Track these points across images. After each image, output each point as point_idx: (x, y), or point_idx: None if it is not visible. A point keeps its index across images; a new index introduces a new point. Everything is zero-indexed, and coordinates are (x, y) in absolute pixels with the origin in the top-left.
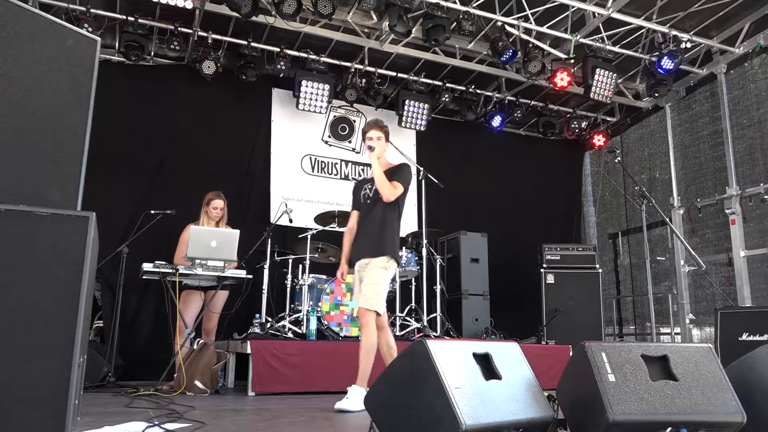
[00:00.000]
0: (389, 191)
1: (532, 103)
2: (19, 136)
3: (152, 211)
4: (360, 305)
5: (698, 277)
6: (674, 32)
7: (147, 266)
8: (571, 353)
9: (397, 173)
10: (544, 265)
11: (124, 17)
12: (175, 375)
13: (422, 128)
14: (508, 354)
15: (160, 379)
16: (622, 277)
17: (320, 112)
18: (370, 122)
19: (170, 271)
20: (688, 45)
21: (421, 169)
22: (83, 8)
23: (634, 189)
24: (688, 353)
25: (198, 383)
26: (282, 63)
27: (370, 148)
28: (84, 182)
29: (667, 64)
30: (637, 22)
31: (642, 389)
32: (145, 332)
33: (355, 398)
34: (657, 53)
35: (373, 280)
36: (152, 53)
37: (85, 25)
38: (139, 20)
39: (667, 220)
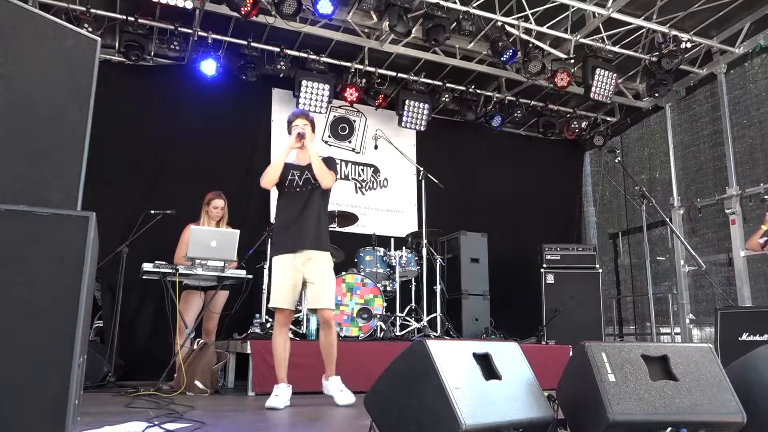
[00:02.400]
0: (330, 179)
1: (532, 103)
2: (19, 136)
3: (152, 211)
4: (327, 306)
5: (698, 277)
6: (674, 32)
7: (147, 266)
8: (571, 353)
9: (329, 162)
10: (544, 265)
11: (124, 17)
12: (175, 375)
13: (422, 128)
14: (508, 354)
15: (160, 379)
16: (622, 277)
17: (320, 112)
18: (296, 112)
19: (170, 271)
20: (688, 45)
21: (421, 169)
22: (83, 8)
23: (634, 189)
24: (688, 353)
25: (198, 383)
26: (282, 63)
27: (300, 136)
28: (84, 182)
29: (666, 63)
30: (637, 22)
31: (642, 389)
32: (145, 332)
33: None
34: (657, 53)
35: (331, 281)
36: (152, 53)
37: (85, 25)
38: (139, 20)
39: (667, 220)
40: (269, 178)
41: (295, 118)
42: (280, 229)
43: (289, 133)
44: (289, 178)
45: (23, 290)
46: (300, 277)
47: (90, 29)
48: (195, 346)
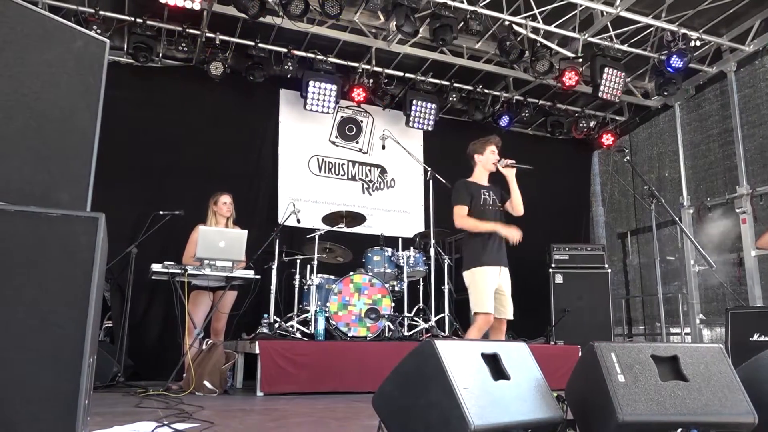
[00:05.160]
0: (523, 208)
1: (540, 102)
2: (29, 137)
3: (161, 212)
4: (510, 316)
5: (708, 277)
6: (683, 30)
7: (156, 267)
8: (580, 353)
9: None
10: (553, 265)
11: (133, 19)
12: (184, 375)
13: (430, 128)
14: (516, 354)
15: (169, 379)
16: (631, 277)
17: (327, 113)
18: (495, 140)
19: (179, 271)
20: (698, 43)
21: (429, 169)
22: (92, 10)
23: (643, 188)
24: (699, 354)
25: (207, 383)
26: (289, 64)
27: (513, 165)
28: (93, 183)
29: (676, 62)
30: (645, 20)
31: (652, 390)
32: (154, 332)
33: None
34: (666, 52)
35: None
36: (160, 55)
37: (94, 27)
38: (148, 22)
39: (677, 219)
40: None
41: (494, 144)
42: (483, 243)
43: (481, 151)
44: (482, 197)
45: (34, 291)
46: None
47: (99, 31)
48: (204, 346)
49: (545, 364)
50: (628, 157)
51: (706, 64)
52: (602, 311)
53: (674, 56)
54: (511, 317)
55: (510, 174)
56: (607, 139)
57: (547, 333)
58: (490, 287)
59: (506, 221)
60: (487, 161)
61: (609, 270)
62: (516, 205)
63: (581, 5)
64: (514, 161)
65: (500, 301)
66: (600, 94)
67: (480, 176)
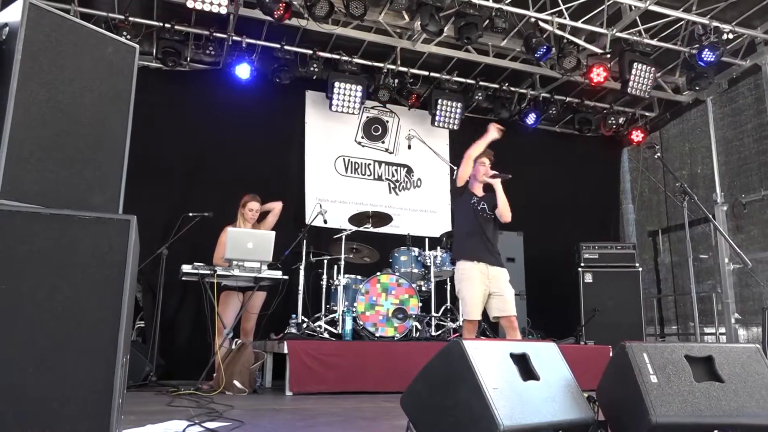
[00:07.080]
0: (510, 216)
1: (568, 99)
2: (63, 142)
3: (190, 214)
4: (511, 313)
5: (744, 276)
6: (715, 23)
7: (186, 268)
8: (611, 354)
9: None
10: (582, 264)
11: (161, 24)
12: (214, 375)
13: (455, 127)
14: (545, 354)
15: (200, 378)
16: (663, 275)
17: (353, 113)
18: (488, 153)
19: (208, 272)
20: (730, 36)
21: (455, 168)
22: (122, 17)
23: (674, 185)
24: (735, 354)
25: (237, 383)
26: (315, 65)
27: (497, 176)
28: (125, 186)
29: (707, 56)
30: (675, 14)
31: (686, 391)
32: (184, 332)
33: None
34: (697, 45)
35: (512, 291)
36: (188, 59)
37: (124, 33)
38: (176, 27)
39: (710, 216)
40: (461, 176)
41: (483, 156)
42: (466, 238)
43: (475, 165)
44: (472, 201)
45: (69, 292)
46: (486, 288)
47: (128, 37)
48: (233, 346)
49: (575, 365)
50: (659, 154)
51: (739, 58)
52: (633, 311)
53: (706, 50)
54: (514, 313)
55: (495, 183)
56: (637, 136)
57: (577, 333)
58: (473, 289)
59: (493, 231)
60: (477, 173)
61: (640, 269)
62: (501, 210)
63: (609, 0)
64: (496, 172)
65: (496, 301)
66: (629, 90)
67: (474, 187)
